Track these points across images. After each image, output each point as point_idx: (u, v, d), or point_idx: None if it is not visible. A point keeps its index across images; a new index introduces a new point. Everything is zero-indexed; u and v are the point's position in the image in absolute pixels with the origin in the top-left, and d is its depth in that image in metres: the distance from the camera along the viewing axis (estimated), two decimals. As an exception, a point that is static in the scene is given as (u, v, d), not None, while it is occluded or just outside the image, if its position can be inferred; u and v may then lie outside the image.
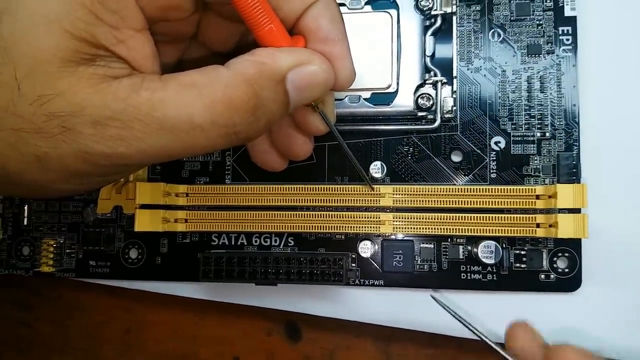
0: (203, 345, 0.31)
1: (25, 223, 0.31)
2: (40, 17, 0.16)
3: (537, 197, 0.26)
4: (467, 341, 0.28)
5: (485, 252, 0.26)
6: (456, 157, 0.28)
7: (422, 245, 0.28)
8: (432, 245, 0.28)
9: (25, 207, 0.31)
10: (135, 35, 0.18)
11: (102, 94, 0.17)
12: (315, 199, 0.28)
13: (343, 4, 0.28)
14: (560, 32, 0.28)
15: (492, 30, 0.28)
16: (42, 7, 0.16)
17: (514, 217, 0.26)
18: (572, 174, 0.27)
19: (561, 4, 0.28)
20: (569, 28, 0.28)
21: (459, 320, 0.25)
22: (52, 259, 0.30)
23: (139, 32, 0.18)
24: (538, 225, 0.26)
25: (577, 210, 0.26)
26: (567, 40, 0.28)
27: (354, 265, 0.28)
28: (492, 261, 0.26)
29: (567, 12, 0.28)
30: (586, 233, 0.25)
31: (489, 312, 0.27)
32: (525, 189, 0.26)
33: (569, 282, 0.27)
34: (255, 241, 0.29)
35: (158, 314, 0.32)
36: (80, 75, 0.17)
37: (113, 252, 0.30)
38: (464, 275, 0.28)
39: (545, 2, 0.28)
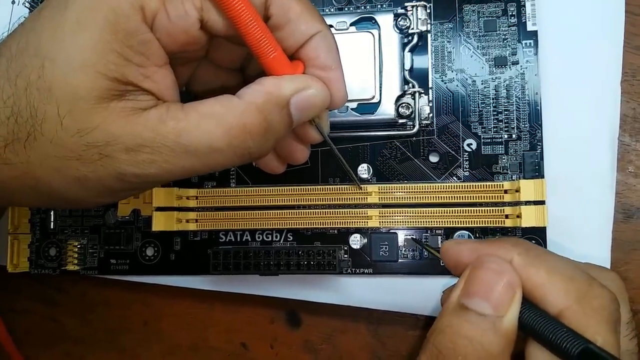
0: (213, 332, 0.35)
1: (51, 227, 0.35)
2: (78, 62, 0.20)
3: (505, 191, 0.30)
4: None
5: (459, 241, 0.30)
6: (433, 158, 0.32)
7: (405, 236, 0.31)
8: (414, 237, 0.31)
9: (52, 213, 0.35)
10: (159, 70, 0.22)
11: (133, 125, 0.20)
12: (311, 199, 0.31)
13: (331, 26, 0.32)
14: (523, 45, 0.31)
15: (463, 45, 0.32)
16: (79, 54, 0.20)
17: (485, 209, 0.30)
18: (536, 170, 0.30)
19: (524, 20, 0.31)
20: (531, 41, 0.31)
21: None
22: (76, 258, 0.34)
23: (162, 67, 0.22)
24: (507, 217, 0.30)
25: (541, 202, 0.29)
26: (530, 52, 0.31)
27: (346, 256, 0.32)
28: (465, 248, 0.30)
29: (530, 27, 0.31)
30: (546, 221, 0.28)
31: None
32: (494, 184, 0.30)
33: (536, 266, 0.30)
34: (258, 237, 0.33)
35: (172, 306, 0.35)
36: (113, 109, 0.20)
37: (131, 251, 0.34)
38: (442, 262, 0.31)
39: (510, 18, 0.31)
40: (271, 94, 0.22)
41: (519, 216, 0.29)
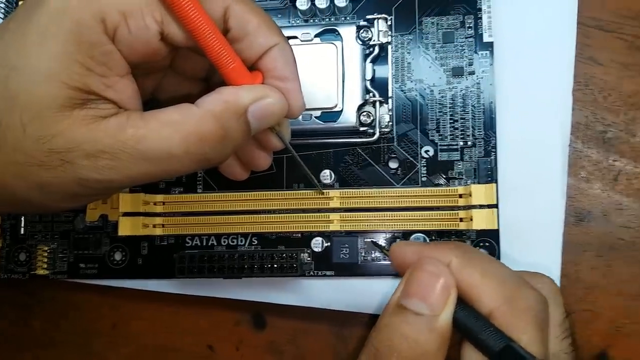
0: (180, 335, 0.36)
1: (22, 232, 0.35)
2: (42, 73, 0.21)
3: (460, 196, 0.31)
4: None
5: (416, 244, 0.31)
6: (393, 164, 0.33)
7: (365, 239, 0.32)
8: (373, 240, 0.32)
9: (22, 218, 0.35)
10: (120, 80, 0.23)
11: (94, 132, 0.21)
12: (275, 204, 0.32)
13: (296, 37, 0.33)
14: (479, 56, 0.33)
15: (422, 56, 0.33)
16: (44, 64, 0.21)
17: (441, 213, 0.31)
18: (490, 176, 0.32)
19: (480, 32, 0.33)
20: (487, 52, 0.33)
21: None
22: (46, 262, 0.34)
23: (124, 77, 0.23)
24: (461, 220, 0.31)
25: (493, 206, 0.30)
26: (486, 62, 0.33)
27: (309, 259, 0.33)
28: (421, 251, 0.31)
29: (486, 39, 0.33)
30: (496, 224, 0.29)
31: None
32: (450, 189, 0.31)
33: (491, 268, 0.32)
34: (224, 242, 0.34)
35: (140, 309, 0.36)
36: (75, 117, 0.21)
37: (100, 255, 0.34)
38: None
39: (467, 30, 0.33)
40: (229, 103, 0.23)
41: (471, 219, 0.30)
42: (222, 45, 0.23)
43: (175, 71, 0.28)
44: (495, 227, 0.30)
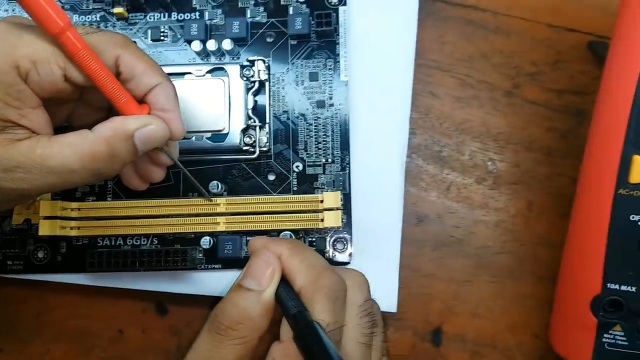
0: (94, 321, 0.41)
1: (-44, 235, 0.41)
2: None
3: (321, 201, 0.39)
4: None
5: (283, 240, 0.39)
6: (271, 177, 0.40)
7: (247, 238, 0.40)
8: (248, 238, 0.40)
9: (-44, 223, 0.41)
10: (33, 111, 0.29)
11: (10, 152, 0.28)
12: (172, 210, 0.39)
13: (190, 72, 0.40)
14: (338, 92, 0.41)
15: (294, 90, 0.41)
16: None
17: (307, 215, 0.38)
18: (343, 185, 0.40)
19: (338, 73, 0.41)
20: (344, 88, 0.41)
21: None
22: (-23, 261, 0.40)
23: (36, 109, 0.29)
24: (322, 220, 0.39)
25: (339, 209, 0.38)
26: (342, 96, 0.41)
27: (200, 255, 0.40)
28: (288, 246, 0.39)
29: (342, 78, 0.41)
30: (339, 222, 0.37)
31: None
32: (314, 197, 0.39)
33: (345, 257, 0.40)
34: (129, 242, 0.40)
35: (60, 300, 0.42)
36: None
37: (25, 254, 0.40)
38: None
39: (328, 71, 0.41)
40: (117, 129, 0.30)
41: (322, 220, 0.38)
42: (114, 85, 0.31)
43: (84, 102, 0.35)
44: (340, 225, 0.38)
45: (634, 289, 0.34)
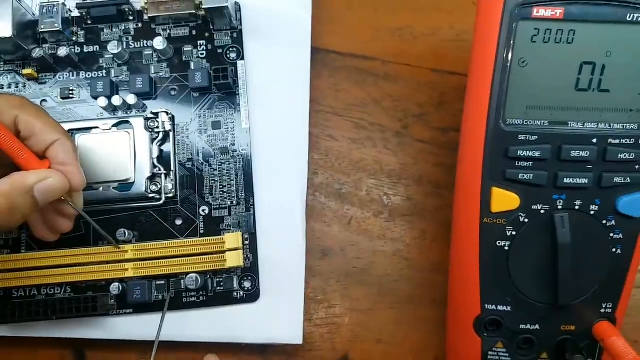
0: (12, 372, 0.43)
1: None
2: None
3: (224, 243, 0.41)
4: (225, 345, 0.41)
5: (189, 282, 0.41)
6: (178, 222, 0.43)
7: (156, 282, 0.42)
8: (163, 282, 0.42)
9: None
10: None
11: None
12: (83, 259, 0.41)
13: (97, 127, 0.43)
14: (240, 138, 0.44)
15: (198, 139, 0.44)
16: None
17: (212, 257, 0.41)
18: (249, 226, 0.42)
19: (239, 121, 0.44)
20: (246, 135, 0.44)
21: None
22: None
23: None
24: (225, 261, 0.41)
25: (241, 248, 0.41)
26: (245, 143, 0.44)
27: (112, 300, 0.42)
28: (194, 287, 0.41)
29: (244, 126, 0.44)
30: (240, 262, 0.40)
31: (206, 322, 0.42)
32: (218, 238, 0.41)
33: (253, 295, 0.42)
34: (43, 291, 0.42)
35: (-24, 353, 0.43)
36: None
37: (-61, 309, 0.41)
38: (185, 299, 0.42)
39: (230, 120, 0.44)
40: (16, 182, 0.32)
41: (225, 260, 0.40)
42: (14, 142, 0.33)
43: None
44: (241, 264, 0.40)
45: (509, 308, 0.38)
